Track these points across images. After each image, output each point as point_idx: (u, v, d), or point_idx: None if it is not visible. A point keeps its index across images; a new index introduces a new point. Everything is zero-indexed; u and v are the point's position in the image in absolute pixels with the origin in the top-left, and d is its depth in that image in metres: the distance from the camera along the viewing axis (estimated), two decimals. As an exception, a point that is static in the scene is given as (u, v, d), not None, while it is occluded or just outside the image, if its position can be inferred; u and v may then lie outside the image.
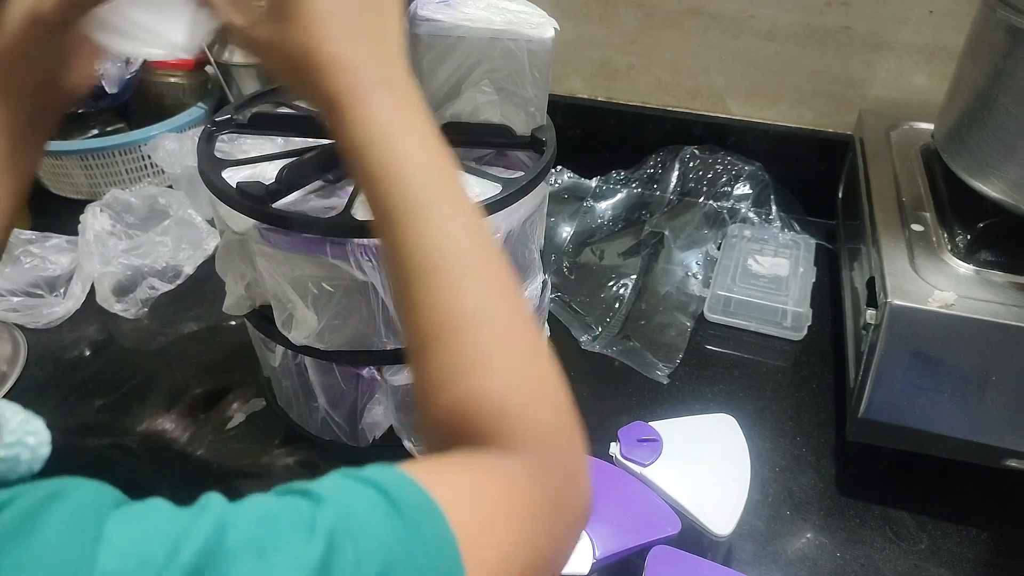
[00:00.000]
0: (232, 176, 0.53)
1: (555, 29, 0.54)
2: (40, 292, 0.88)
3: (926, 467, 0.67)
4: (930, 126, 0.83)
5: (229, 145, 0.60)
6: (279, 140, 0.60)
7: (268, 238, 0.51)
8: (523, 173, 0.54)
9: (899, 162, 0.81)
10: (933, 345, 0.61)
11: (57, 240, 0.92)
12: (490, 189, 0.52)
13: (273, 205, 0.50)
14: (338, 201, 0.52)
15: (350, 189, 0.52)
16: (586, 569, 0.52)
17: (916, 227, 0.70)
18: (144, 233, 0.91)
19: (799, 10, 0.91)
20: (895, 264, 0.65)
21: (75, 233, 0.90)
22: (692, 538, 0.56)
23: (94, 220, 0.90)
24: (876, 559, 0.63)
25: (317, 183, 0.55)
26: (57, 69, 0.45)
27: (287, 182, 0.51)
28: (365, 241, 0.49)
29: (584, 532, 0.54)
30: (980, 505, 0.67)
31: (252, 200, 0.49)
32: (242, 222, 0.53)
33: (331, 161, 0.55)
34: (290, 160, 0.53)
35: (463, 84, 0.56)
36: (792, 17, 0.92)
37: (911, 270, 0.64)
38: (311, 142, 0.58)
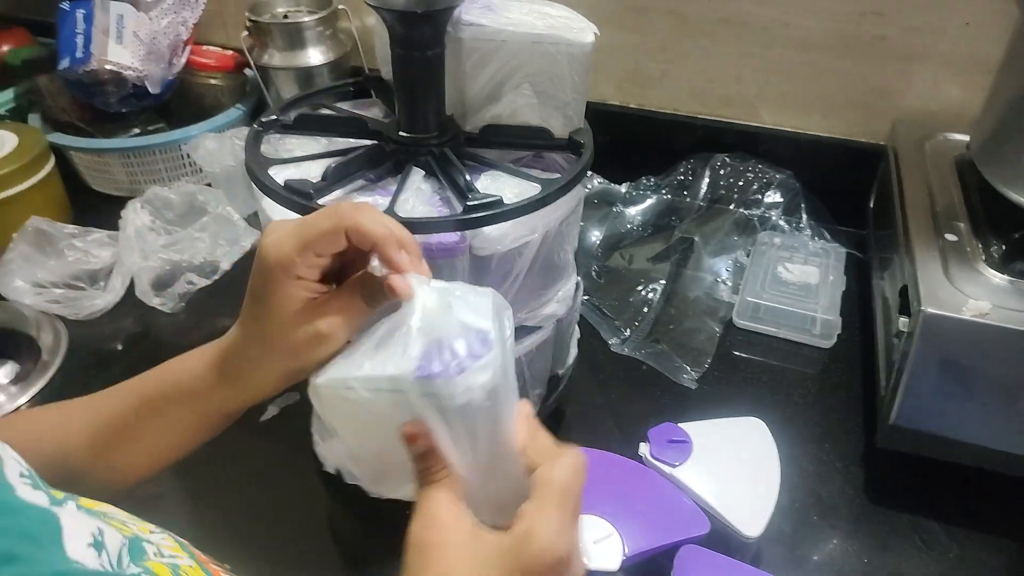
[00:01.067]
0: (277, 174, 0.55)
1: (595, 34, 0.55)
2: (82, 285, 0.91)
3: (956, 476, 0.67)
4: (965, 137, 0.83)
5: (274, 145, 0.62)
6: (323, 140, 0.62)
7: (312, 234, 0.52)
8: (559, 175, 0.55)
9: (933, 172, 0.80)
10: (966, 354, 0.61)
11: (99, 235, 0.94)
12: (529, 189, 0.53)
13: (318, 202, 0.51)
14: (381, 199, 0.54)
15: (393, 188, 0.53)
16: (616, 566, 0.52)
17: (950, 237, 0.70)
18: (183, 229, 0.94)
19: (833, 19, 0.91)
20: (929, 273, 0.65)
21: (116, 228, 0.93)
22: (721, 539, 0.57)
23: (135, 216, 0.92)
24: (904, 567, 0.63)
25: (360, 182, 0.56)
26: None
27: (332, 180, 0.53)
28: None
29: (614, 530, 0.54)
30: (1011, 515, 0.66)
31: (299, 196, 0.50)
32: (287, 218, 0.54)
33: (374, 161, 0.57)
34: (335, 159, 0.54)
35: (504, 87, 0.57)
36: (826, 26, 0.92)
37: (945, 279, 0.64)
38: (353, 142, 0.60)
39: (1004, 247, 0.67)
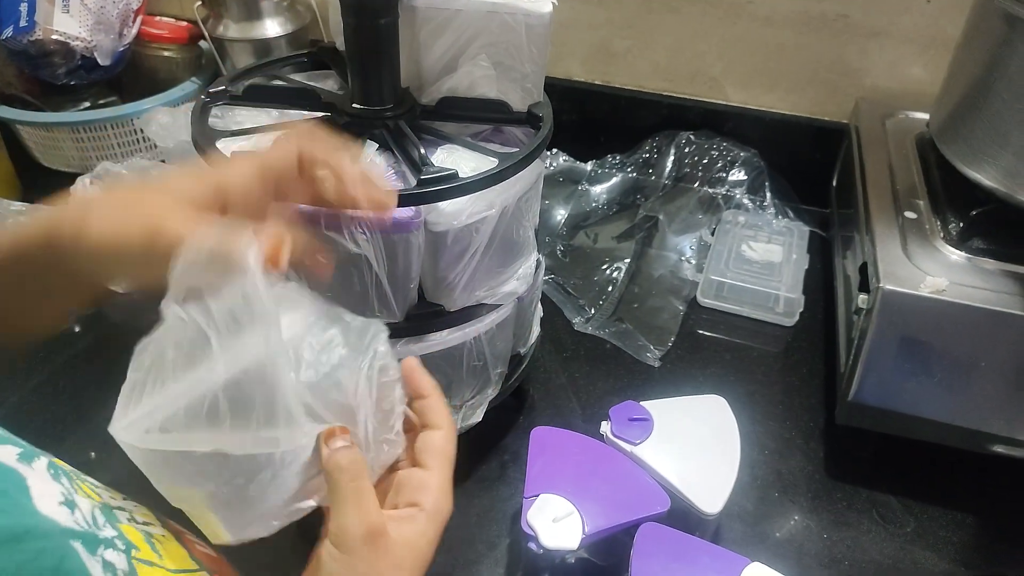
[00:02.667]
0: (226, 147, 0.53)
1: (553, 4, 0.54)
2: (30, 264, 0.88)
3: (914, 452, 0.68)
4: (925, 115, 0.83)
5: (223, 117, 0.60)
6: (274, 112, 0.60)
7: (262, 208, 0.50)
8: (518, 149, 0.53)
9: (894, 150, 0.81)
10: (924, 330, 0.61)
11: (47, 212, 0.91)
12: (486, 163, 0.52)
13: (267, 175, 0.49)
14: (333, 173, 0.52)
15: (345, 161, 0.52)
16: (575, 545, 0.52)
17: (910, 214, 0.70)
18: (136, 207, 0.91)
19: (797, -4, 0.91)
20: (888, 250, 0.65)
21: (66, 206, 0.89)
22: (681, 516, 0.57)
23: (85, 192, 0.89)
24: (862, 541, 0.63)
25: (312, 155, 0.54)
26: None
27: (282, 153, 0.51)
28: (359, 213, 0.48)
29: (574, 508, 0.54)
30: (966, 490, 0.67)
31: (246, 169, 0.49)
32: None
33: (326, 133, 0.55)
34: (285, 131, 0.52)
35: (460, 58, 0.55)
36: (790, 4, 0.92)
37: (904, 256, 0.64)
38: (306, 114, 0.58)
39: (962, 224, 0.67)
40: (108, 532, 0.31)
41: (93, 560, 0.29)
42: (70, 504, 0.30)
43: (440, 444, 0.41)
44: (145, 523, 0.36)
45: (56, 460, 0.32)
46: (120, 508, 0.35)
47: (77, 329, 0.83)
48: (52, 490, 0.30)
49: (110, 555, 0.30)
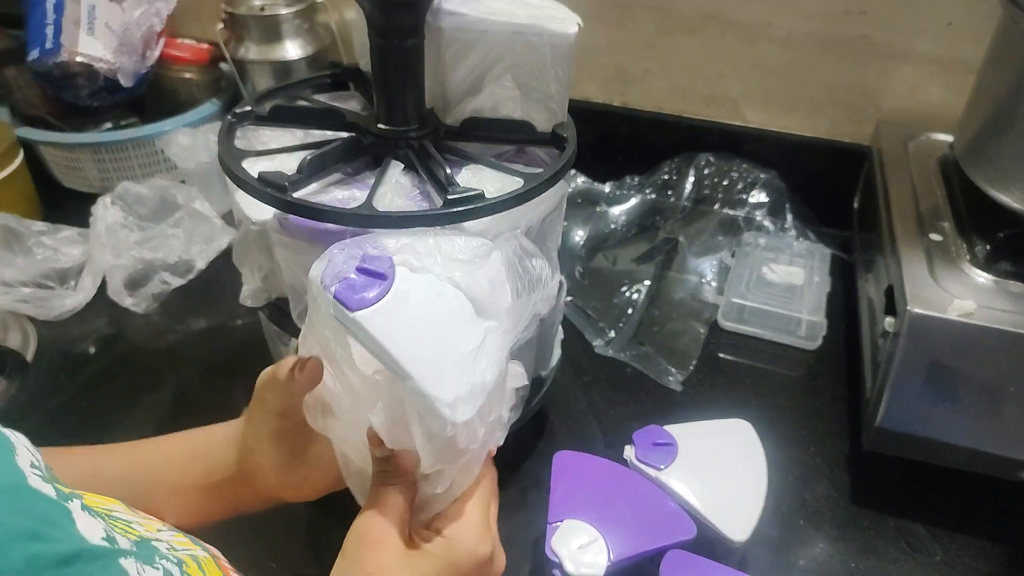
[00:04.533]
0: (251, 167, 0.53)
1: (579, 25, 0.54)
2: (51, 284, 0.88)
3: (941, 478, 0.67)
4: (948, 137, 0.82)
5: (247, 137, 0.60)
6: (299, 133, 0.60)
7: (288, 228, 0.50)
8: (542, 170, 0.53)
9: (917, 173, 0.80)
10: (951, 354, 0.60)
11: (69, 232, 0.91)
12: (511, 184, 0.51)
13: (294, 195, 0.49)
14: (359, 193, 0.52)
15: (371, 181, 0.52)
16: (601, 572, 0.51)
17: (935, 237, 0.69)
18: (156, 225, 0.91)
19: (817, 18, 0.91)
20: (914, 273, 0.64)
21: (86, 226, 0.90)
22: (707, 544, 0.55)
23: (105, 212, 0.89)
24: (890, 571, 0.62)
25: (337, 175, 0.54)
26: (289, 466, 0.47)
27: (308, 173, 0.51)
28: (386, 233, 0.48)
29: (599, 535, 0.53)
30: (996, 518, 0.66)
31: (273, 189, 0.49)
32: (262, 212, 0.52)
33: (352, 153, 0.55)
34: (311, 152, 0.52)
35: (485, 79, 0.55)
36: (809, 25, 0.92)
37: (930, 279, 0.63)
38: (331, 135, 0.58)
39: (988, 247, 0.67)
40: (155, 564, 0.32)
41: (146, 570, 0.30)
42: (111, 540, 0.31)
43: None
44: (186, 549, 0.36)
45: (87, 500, 0.33)
46: (157, 540, 0.35)
47: (92, 350, 0.84)
48: (94, 525, 0.30)
49: (164, 564, 0.31)
